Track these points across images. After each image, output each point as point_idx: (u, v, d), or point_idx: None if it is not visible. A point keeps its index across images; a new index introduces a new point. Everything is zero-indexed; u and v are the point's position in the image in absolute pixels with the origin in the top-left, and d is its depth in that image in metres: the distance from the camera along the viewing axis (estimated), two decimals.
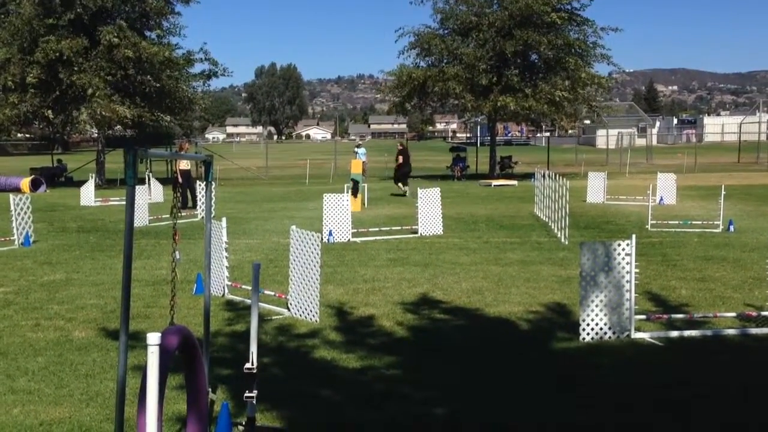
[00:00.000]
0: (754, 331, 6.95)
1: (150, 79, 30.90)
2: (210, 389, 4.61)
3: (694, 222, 14.80)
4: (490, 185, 28.75)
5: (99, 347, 6.65)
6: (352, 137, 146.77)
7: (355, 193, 17.97)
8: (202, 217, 15.49)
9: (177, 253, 4.15)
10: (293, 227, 7.85)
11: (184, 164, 20.29)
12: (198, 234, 13.69)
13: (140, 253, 12.15)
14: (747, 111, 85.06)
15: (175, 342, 3.61)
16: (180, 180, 19.58)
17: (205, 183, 4.46)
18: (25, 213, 13.18)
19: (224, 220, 8.80)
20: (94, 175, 25.26)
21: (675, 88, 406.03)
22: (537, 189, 17.80)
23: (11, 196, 13.48)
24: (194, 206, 19.28)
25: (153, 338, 3.05)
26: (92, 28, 30.58)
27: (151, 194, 21.09)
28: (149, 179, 22.75)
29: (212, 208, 18.38)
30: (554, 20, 31.00)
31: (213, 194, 18.80)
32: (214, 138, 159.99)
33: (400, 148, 25.55)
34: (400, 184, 24.85)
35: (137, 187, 16.35)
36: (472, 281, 9.52)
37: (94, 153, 36.20)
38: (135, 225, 15.81)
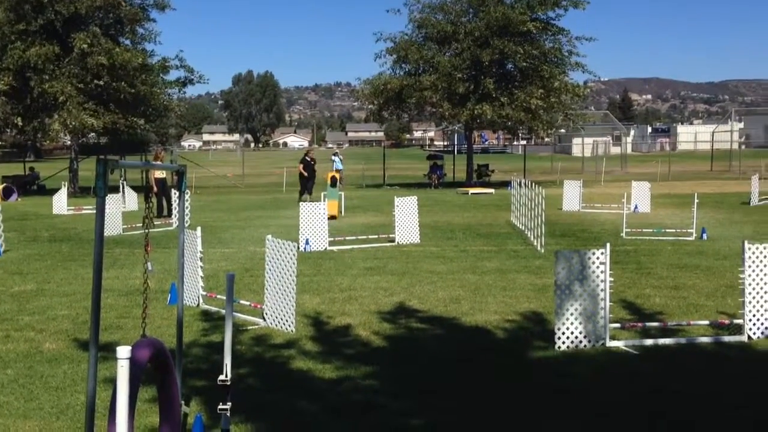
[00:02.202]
0: (726, 338, 7.02)
1: (124, 86, 30.59)
2: (183, 401, 4.54)
3: (667, 230, 14.96)
4: (467, 193, 28.85)
5: (70, 359, 6.54)
6: (330, 145, 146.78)
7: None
8: (177, 226, 15.39)
9: (149, 264, 4.09)
10: (269, 237, 7.80)
11: (159, 172, 20.05)
12: (173, 243, 13.54)
13: (113, 263, 12.00)
14: (719, 119, 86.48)
15: (146, 355, 3.55)
16: (155, 189, 19.39)
17: (178, 193, 4.39)
18: None
19: (199, 229, 8.72)
20: (66, 183, 24.94)
21: (649, 96, 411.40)
22: (513, 197, 17.90)
23: None
24: (169, 215, 19.11)
25: (123, 352, 3.00)
26: (65, 35, 30.23)
27: (125, 203, 20.87)
28: (123, 187, 22.52)
29: (187, 218, 18.17)
30: (530, 29, 31.26)
31: (188, 204, 18.50)
32: (190, 146, 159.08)
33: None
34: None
35: (111, 195, 16.00)
36: (448, 290, 9.52)
37: (67, 161, 35.75)
38: (108, 234, 15.63)
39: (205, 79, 35.12)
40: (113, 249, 13.68)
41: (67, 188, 23.94)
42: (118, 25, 32.67)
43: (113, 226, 16.17)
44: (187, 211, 17.29)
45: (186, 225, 17.74)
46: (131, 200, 22.29)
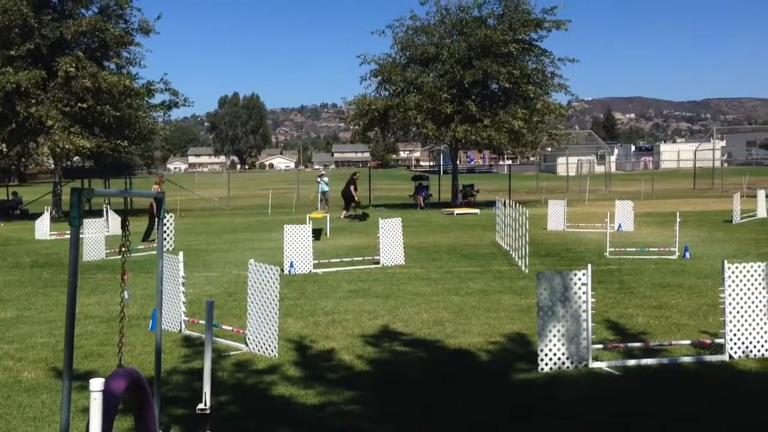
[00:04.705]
0: (708, 358, 7.05)
1: (109, 109, 30.56)
2: (162, 431, 4.49)
3: (651, 249, 15.04)
4: (453, 214, 28.92)
5: (48, 388, 6.45)
6: (316, 166, 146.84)
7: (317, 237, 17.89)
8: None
9: (125, 293, 4.06)
10: (251, 261, 7.76)
11: None
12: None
13: (95, 288, 11.90)
14: (701, 138, 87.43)
15: (122, 385, 3.52)
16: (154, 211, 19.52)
17: (157, 220, 4.38)
18: None
19: (181, 254, 8.66)
20: (49, 208, 24.76)
21: (632, 115, 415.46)
22: (498, 217, 17.96)
23: None
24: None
25: (96, 384, 2.97)
26: (51, 59, 30.22)
27: (109, 227, 20.74)
28: (107, 211, 22.39)
29: (170, 242, 18.03)
30: (512, 50, 31.56)
31: (169, 230, 18.39)
32: (175, 168, 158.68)
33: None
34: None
35: (94, 220, 15.86)
36: (433, 312, 9.50)
37: (50, 185, 35.53)
38: (91, 259, 15.50)
39: (190, 102, 35.22)
40: (95, 275, 13.57)
41: (50, 213, 23.77)
42: (103, 49, 32.71)
43: (96, 251, 16.06)
44: (170, 236, 17.25)
45: (170, 249, 17.54)
46: (115, 224, 22.15)
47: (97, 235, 16.29)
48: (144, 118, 33.64)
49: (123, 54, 33.46)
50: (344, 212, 28.40)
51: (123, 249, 4.04)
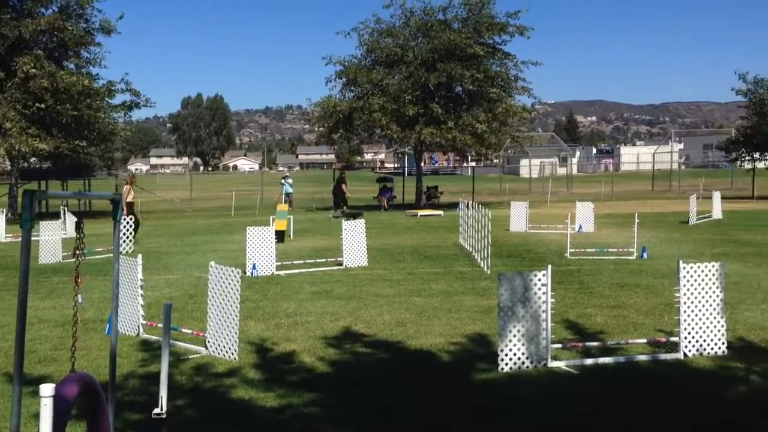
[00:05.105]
0: (663, 356, 7.18)
1: (68, 109, 29.98)
2: None
3: (610, 249, 15.28)
4: (417, 215, 29.01)
5: (1, 394, 6.29)
6: (281, 168, 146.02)
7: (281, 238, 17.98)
8: (124, 252, 15.03)
9: (79, 296, 3.98)
10: (212, 263, 7.69)
11: (130, 197, 20.43)
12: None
13: (51, 292, 11.66)
14: (660, 141, 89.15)
15: (74, 390, 3.44)
16: (125, 211, 19.43)
17: (113, 222, 4.30)
18: None
19: (140, 257, 8.54)
20: (5, 210, 24.19)
21: (594, 118, 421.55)
22: (461, 219, 18.07)
23: None
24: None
25: (46, 390, 2.90)
26: (9, 59, 29.53)
27: (66, 229, 20.34)
28: (65, 213, 21.97)
29: (129, 247, 17.72)
30: (477, 53, 31.80)
31: (128, 232, 18.02)
32: (137, 169, 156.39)
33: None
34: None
35: (51, 222, 15.53)
36: (395, 313, 9.52)
37: (6, 186, 34.72)
38: (47, 262, 15.18)
39: (152, 103, 34.72)
40: (51, 278, 13.30)
41: (6, 215, 23.22)
42: (62, 49, 32.09)
43: (52, 254, 15.74)
44: (129, 238, 16.97)
45: (129, 251, 17.26)
46: (72, 227, 21.72)
47: (54, 237, 15.96)
48: (104, 119, 33.06)
49: (83, 54, 32.88)
50: (332, 212, 29.41)
51: (77, 252, 3.96)
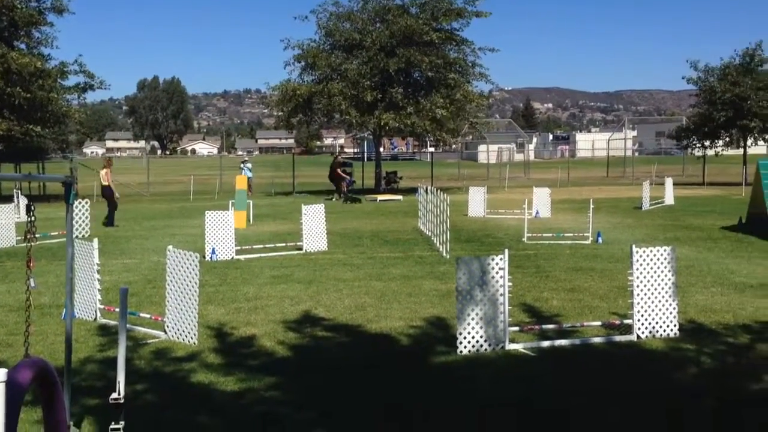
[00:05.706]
0: (617, 338, 7.37)
1: (20, 91, 29.16)
2: (72, 423, 4.37)
3: (566, 234, 15.55)
4: (376, 200, 29.05)
5: None
6: (239, 152, 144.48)
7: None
8: (80, 236, 14.71)
9: (32, 280, 3.92)
10: (170, 247, 7.61)
11: (106, 181, 20.27)
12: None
13: (5, 276, 11.41)
14: (614, 128, 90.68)
15: (28, 376, 3.40)
16: (112, 194, 20.10)
17: (66, 206, 4.24)
18: None
19: (96, 240, 8.40)
20: None
21: (550, 105, 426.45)
22: (420, 204, 18.16)
23: None
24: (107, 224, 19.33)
25: None
26: None
27: (20, 213, 19.85)
28: (18, 196, 21.46)
29: (84, 231, 17.43)
30: (433, 39, 31.83)
31: (83, 217, 17.72)
32: (92, 152, 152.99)
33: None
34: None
35: (3, 205, 15.14)
36: (354, 297, 9.56)
37: None
38: (0, 246, 14.80)
39: (107, 85, 34.06)
40: (5, 262, 13.00)
41: None
42: (12, 29, 31.15)
43: (6, 237, 15.37)
44: (85, 222, 16.65)
45: (85, 235, 16.96)
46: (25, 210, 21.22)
47: (7, 221, 15.58)
48: (57, 101, 32.23)
49: (34, 34, 31.98)
50: (336, 195, 30.17)
51: (29, 235, 3.89)
